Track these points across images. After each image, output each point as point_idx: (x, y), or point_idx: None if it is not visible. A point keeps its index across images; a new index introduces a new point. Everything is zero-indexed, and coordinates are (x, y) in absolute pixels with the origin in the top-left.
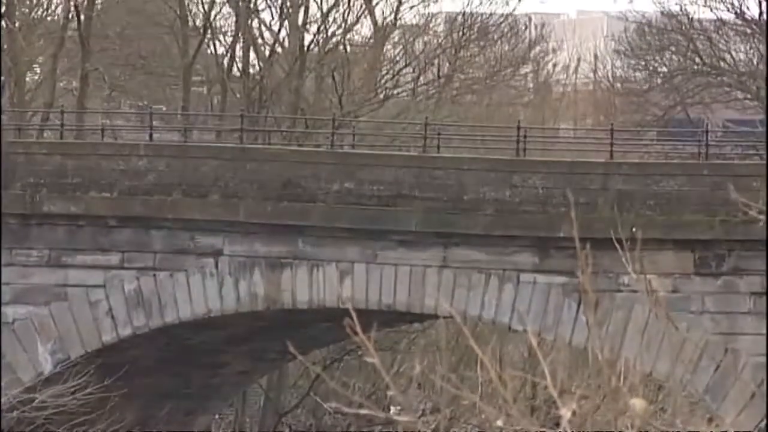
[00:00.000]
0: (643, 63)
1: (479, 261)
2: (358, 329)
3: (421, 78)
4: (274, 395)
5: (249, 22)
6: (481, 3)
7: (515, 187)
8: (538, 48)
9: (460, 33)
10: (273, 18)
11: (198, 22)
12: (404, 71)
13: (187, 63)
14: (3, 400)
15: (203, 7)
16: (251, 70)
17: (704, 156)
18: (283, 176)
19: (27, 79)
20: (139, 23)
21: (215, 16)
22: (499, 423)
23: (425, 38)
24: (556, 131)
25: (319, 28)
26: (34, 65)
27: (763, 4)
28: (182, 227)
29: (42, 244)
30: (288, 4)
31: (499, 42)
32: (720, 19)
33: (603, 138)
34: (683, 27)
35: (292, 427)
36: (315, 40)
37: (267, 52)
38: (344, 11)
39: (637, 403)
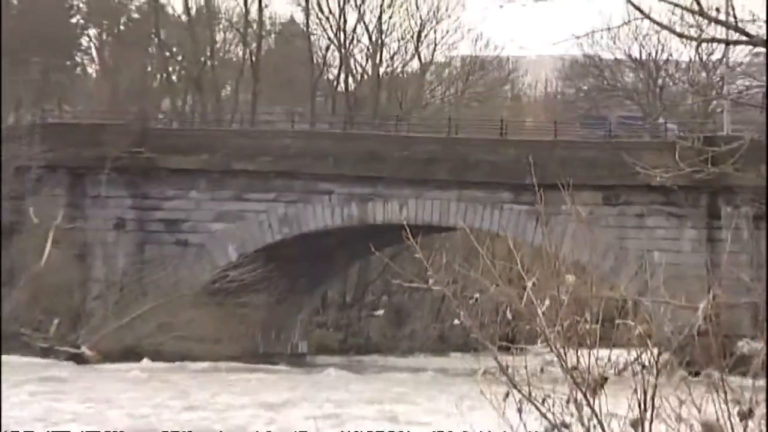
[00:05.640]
0: (573, 83)
1: (480, 197)
2: (410, 236)
3: (447, 92)
4: (362, 274)
5: (348, 58)
6: (482, 49)
7: (500, 154)
8: (512, 75)
9: (470, 67)
10: (362, 54)
11: (316, 60)
12: (437, 89)
13: (313, 83)
14: (210, 277)
15: (321, 52)
16: (349, 88)
17: (608, 136)
18: (369, 149)
19: (222, 95)
20: (288, 59)
21: (327, 56)
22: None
23: (449, 69)
24: (523, 123)
25: (388, 64)
26: (224, 88)
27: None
28: (311, 178)
29: (232, 188)
30: (370, 50)
31: (491, 71)
32: (617, 59)
33: (551, 126)
34: (597, 63)
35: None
36: (386, 71)
37: (359, 77)
38: (402, 54)
39: (570, 278)
